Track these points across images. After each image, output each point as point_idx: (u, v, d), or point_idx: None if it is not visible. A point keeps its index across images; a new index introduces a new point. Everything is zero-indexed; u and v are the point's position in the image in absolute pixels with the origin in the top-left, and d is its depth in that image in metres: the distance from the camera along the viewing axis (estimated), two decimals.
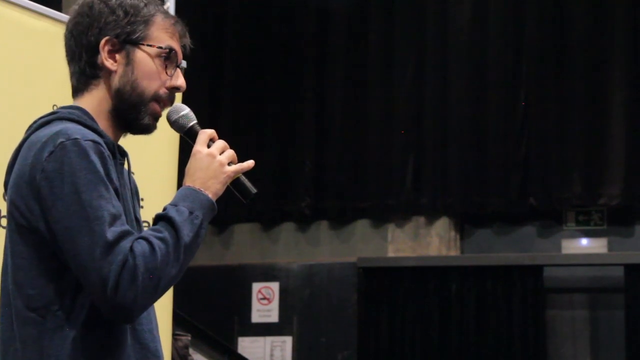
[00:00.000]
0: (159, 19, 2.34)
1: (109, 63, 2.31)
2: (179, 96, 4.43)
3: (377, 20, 9.63)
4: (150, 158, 4.20)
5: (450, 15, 9.41)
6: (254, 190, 2.37)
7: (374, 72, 9.57)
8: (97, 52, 2.31)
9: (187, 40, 2.41)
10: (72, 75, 2.36)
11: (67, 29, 2.36)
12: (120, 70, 2.31)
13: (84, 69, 2.32)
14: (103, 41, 2.30)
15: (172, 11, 5.09)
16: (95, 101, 2.31)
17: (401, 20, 9.55)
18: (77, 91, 2.35)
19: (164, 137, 4.24)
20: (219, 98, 9.89)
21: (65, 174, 2.12)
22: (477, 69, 9.29)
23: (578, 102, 9.04)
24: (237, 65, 9.96)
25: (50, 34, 3.78)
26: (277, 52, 9.86)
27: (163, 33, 2.34)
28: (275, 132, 9.75)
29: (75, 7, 2.37)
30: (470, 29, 9.35)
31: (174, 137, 4.35)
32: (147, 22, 2.32)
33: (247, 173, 2.37)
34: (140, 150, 3.52)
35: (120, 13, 2.31)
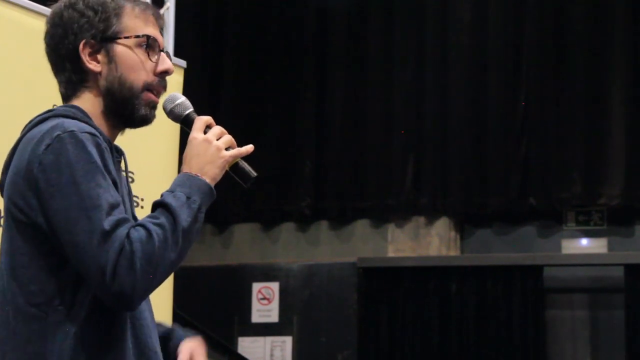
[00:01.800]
0: (128, 8, 2.34)
1: (92, 65, 2.31)
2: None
3: (377, 20, 9.63)
4: (150, 154, 4.20)
5: (450, 15, 9.41)
6: (254, 173, 2.35)
7: (374, 72, 9.57)
8: (79, 57, 2.31)
9: (162, 22, 2.41)
10: (60, 84, 2.37)
11: (45, 44, 2.37)
12: (104, 70, 2.31)
13: (71, 77, 2.33)
14: (81, 45, 2.31)
15: (172, 11, 5.08)
16: (87, 104, 2.32)
17: (401, 20, 9.55)
18: (67, 98, 2.36)
19: (164, 132, 4.24)
20: (219, 98, 9.89)
21: (62, 165, 2.13)
22: (477, 69, 9.29)
23: (578, 102, 9.04)
24: (237, 65, 9.96)
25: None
26: (277, 52, 9.86)
27: (137, 21, 2.33)
28: (275, 132, 9.75)
29: (47, 19, 2.38)
30: (470, 29, 9.35)
31: (174, 132, 4.35)
32: (118, 14, 2.32)
33: (247, 158, 2.36)
34: (139, 146, 3.51)
35: (90, 13, 2.31)
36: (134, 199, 4.02)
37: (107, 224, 2.10)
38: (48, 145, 2.15)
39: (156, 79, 2.34)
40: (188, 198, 2.20)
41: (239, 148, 2.33)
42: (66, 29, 2.32)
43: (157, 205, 2.20)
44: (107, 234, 2.09)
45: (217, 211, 9.27)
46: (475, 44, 9.33)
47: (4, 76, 3.74)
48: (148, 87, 2.33)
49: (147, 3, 2.39)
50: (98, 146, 2.18)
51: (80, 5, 2.32)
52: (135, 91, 2.31)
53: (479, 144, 9.22)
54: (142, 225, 2.14)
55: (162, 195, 2.22)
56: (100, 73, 2.31)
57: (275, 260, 9.64)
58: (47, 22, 2.37)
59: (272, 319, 9.46)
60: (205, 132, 2.32)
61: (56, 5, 2.36)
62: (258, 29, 9.93)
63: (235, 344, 9.37)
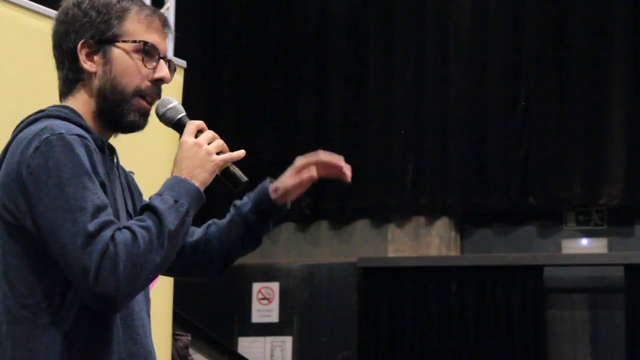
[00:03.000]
0: (133, 12, 2.34)
1: (87, 65, 2.32)
2: (178, 96, 4.43)
3: (377, 20, 9.63)
4: (150, 154, 4.19)
5: (451, 14, 9.41)
6: (244, 178, 2.35)
7: (374, 72, 9.57)
8: (77, 56, 2.32)
9: (169, 29, 2.41)
10: (59, 80, 2.39)
11: (51, 39, 2.39)
12: (99, 71, 2.32)
13: (67, 75, 2.35)
14: (79, 44, 2.32)
15: (172, 11, 5.08)
16: (79, 103, 2.33)
17: (401, 20, 9.55)
18: (62, 95, 2.37)
19: (164, 132, 4.23)
20: (219, 98, 9.89)
21: (50, 168, 2.13)
22: (477, 69, 9.29)
23: (578, 102, 9.04)
24: (237, 65, 9.96)
25: (50, 34, 3.78)
26: (277, 52, 9.86)
27: (139, 26, 2.33)
28: (275, 131, 9.75)
29: (55, 15, 2.40)
30: (470, 28, 9.35)
31: (174, 132, 4.35)
32: (120, 17, 2.32)
33: (240, 163, 2.36)
34: (140, 146, 3.52)
35: (93, 14, 2.32)
36: None
37: (92, 226, 2.09)
38: (37, 148, 2.15)
39: (150, 85, 2.34)
40: (176, 201, 2.19)
41: (231, 153, 2.33)
42: (69, 26, 2.33)
43: (145, 208, 2.19)
44: (92, 236, 2.08)
45: (219, 213, 9.25)
46: (475, 44, 9.33)
47: (4, 76, 3.74)
48: (140, 93, 2.33)
49: (155, 9, 2.39)
50: (87, 148, 2.18)
51: (86, 4, 2.33)
52: (126, 95, 2.31)
53: (479, 144, 9.22)
54: (127, 227, 2.13)
55: (149, 199, 2.21)
56: (95, 74, 2.32)
57: (275, 260, 9.64)
58: (55, 18, 2.39)
59: (272, 319, 9.46)
60: (196, 137, 2.32)
61: (65, 2, 2.38)
62: (258, 29, 9.93)
63: (235, 343, 9.37)
